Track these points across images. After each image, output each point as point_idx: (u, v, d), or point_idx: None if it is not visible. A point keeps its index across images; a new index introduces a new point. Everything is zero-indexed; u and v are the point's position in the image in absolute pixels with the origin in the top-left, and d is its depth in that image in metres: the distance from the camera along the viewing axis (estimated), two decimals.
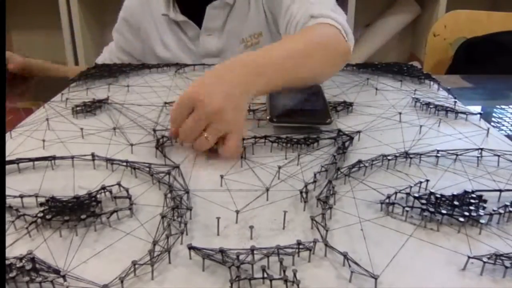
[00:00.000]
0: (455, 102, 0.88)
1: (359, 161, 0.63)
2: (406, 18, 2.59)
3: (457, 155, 0.66)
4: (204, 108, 0.64)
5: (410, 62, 2.16)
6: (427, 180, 0.59)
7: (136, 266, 0.44)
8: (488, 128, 0.77)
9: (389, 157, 0.65)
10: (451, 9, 1.69)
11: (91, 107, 0.85)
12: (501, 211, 0.53)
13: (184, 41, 1.21)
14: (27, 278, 0.42)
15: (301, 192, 0.56)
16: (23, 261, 0.43)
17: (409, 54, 2.81)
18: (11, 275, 0.42)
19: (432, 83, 1.00)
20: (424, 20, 2.58)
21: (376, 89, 0.95)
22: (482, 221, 0.51)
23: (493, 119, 0.90)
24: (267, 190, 0.57)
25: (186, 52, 1.21)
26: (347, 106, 0.85)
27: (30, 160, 0.64)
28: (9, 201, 0.55)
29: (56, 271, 0.43)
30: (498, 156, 0.66)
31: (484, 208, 0.54)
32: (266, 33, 1.16)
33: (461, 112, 0.82)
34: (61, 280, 0.42)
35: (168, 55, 1.22)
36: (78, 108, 0.84)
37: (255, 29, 1.16)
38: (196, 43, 1.19)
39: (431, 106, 0.85)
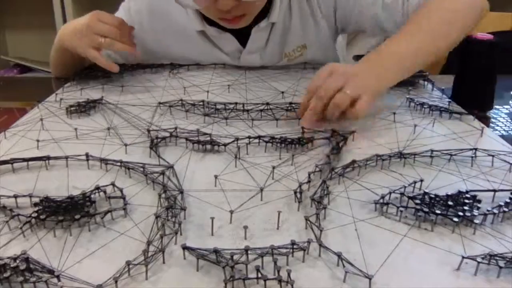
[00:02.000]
0: (449, 102, 0.88)
1: (353, 161, 0.63)
2: None
3: (451, 155, 0.67)
4: (342, 69, 0.76)
5: None
6: (421, 180, 0.59)
7: (130, 266, 0.44)
8: (483, 128, 0.77)
9: (383, 157, 0.65)
10: None
11: (85, 107, 0.85)
12: (495, 211, 0.53)
13: (220, 57, 1.13)
14: (21, 278, 0.42)
15: (295, 192, 0.56)
16: (17, 261, 0.43)
17: None
18: (5, 275, 0.42)
19: (426, 83, 1.00)
20: None
21: None
22: (476, 221, 0.51)
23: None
24: (261, 190, 0.57)
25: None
26: None
27: (24, 160, 0.64)
28: (3, 201, 0.55)
29: (50, 271, 0.43)
30: (492, 156, 0.67)
31: (478, 208, 0.54)
32: (311, 44, 1.12)
33: (455, 112, 0.83)
34: (55, 280, 0.42)
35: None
36: (72, 108, 0.83)
37: (298, 42, 1.12)
38: (235, 59, 1.13)
39: (425, 106, 0.85)
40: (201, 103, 0.84)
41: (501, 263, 0.45)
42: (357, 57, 1.09)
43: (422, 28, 0.86)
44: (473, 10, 0.91)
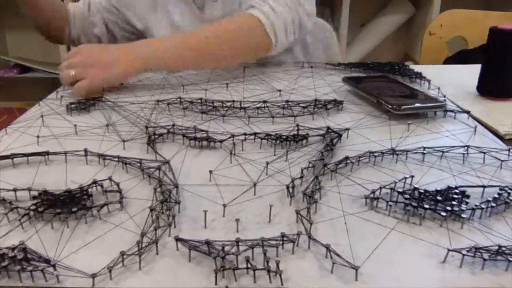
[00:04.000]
0: (445, 100, 0.89)
1: (346, 158, 0.64)
2: (400, 19, 2.61)
3: (443, 152, 0.68)
4: (85, 53, 0.94)
5: (404, 62, 2.17)
6: (412, 176, 0.60)
7: (124, 256, 0.45)
8: (476, 126, 0.78)
9: (376, 154, 0.66)
10: (445, 10, 1.70)
11: (85, 105, 0.86)
12: (483, 206, 0.54)
13: (193, 9, 1.18)
14: (18, 267, 0.43)
15: (287, 187, 0.58)
16: (15, 251, 0.45)
17: (403, 55, 2.83)
18: (3, 264, 0.43)
19: (423, 81, 1.01)
20: (418, 20, 2.60)
21: None
22: (463, 215, 0.53)
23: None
24: (255, 185, 0.58)
25: (194, 21, 1.18)
26: (337, 104, 0.86)
27: (24, 155, 0.66)
28: (2, 194, 0.56)
29: (47, 261, 0.44)
30: (484, 153, 0.68)
31: (466, 203, 0.55)
32: None
33: (450, 111, 0.84)
34: (51, 269, 0.43)
35: (176, 21, 1.19)
36: (72, 106, 0.85)
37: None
38: (202, 10, 1.17)
39: None
40: (199, 100, 0.86)
41: (486, 256, 0.46)
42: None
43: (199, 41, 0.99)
44: (250, 51, 1.05)
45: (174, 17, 1.18)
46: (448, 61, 1.56)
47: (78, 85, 0.92)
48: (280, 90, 0.95)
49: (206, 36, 0.99)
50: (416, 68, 1.11)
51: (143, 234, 0.48)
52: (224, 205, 0.54)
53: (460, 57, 1.52)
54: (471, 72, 1.01)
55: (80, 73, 0.92)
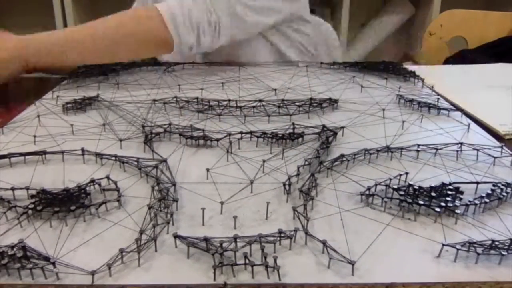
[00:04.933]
0: (438, 98, 0.90)
1: (342, 155, 0.65)
2: (400, 19, 2.62)
3: (437, 149, 0.69)
4: None
5: (403, 62, 2.18)
6: (407, 173, 0.61)
7: (123, 253, 0.46)
8: (469, 124, 0.79)
9: (371, 151, 0.67)
10: (445, 10, 1.72)
11: (81, 104, 0.86)
12: (477, 201, 0.55)
13: None
14: (18, 265, 0.44)
15: (284, 185, 0.58)
16: (15, 249, 0.45)
17: (403, 55, 2.84)
18: (2, 262, 0.44)
19: (416, 80, 1.02)
20: (418, 20, 2.61)
21: (362, 86, 0.98)
22: (458, 211, 0.53)
23: None
24: (252, 182, 0.59)
25: None
26: (332, 103, 0.87)
27: (21, 154, 0.66)
28: (0, 193, 0.56)
29: (46, 258, 0.45)
30: (477, 150, 0.68)
31: (460, 199, 0.56)
32: None
33: (443, 109, 0.85)
34: (51, 267, 0.44)
35: None
36: (68, 105, 0.85)
37: None
38: None
39: (414, 103, 0.87)
40: (195, 100, 0.86)
41: (479, 250, 0.47)
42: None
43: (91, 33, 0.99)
44: (146, 45, 1.02)
45: None
46: (448, 61, 1.57)
47: None
48: (275, 89, 0.96)
49: (95, 27, 0.98)
50: (415, 68, 1.12)
51: (141, 232, 0.48)
52: (222, 203, 0.55)
53: (460, 57, 1.53)
54: (471, 72, 1.02)
55: None
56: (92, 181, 0.58)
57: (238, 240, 0.47)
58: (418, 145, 0.68)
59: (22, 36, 0.98)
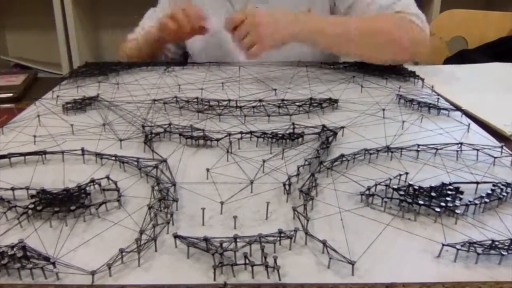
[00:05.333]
0: (438, 99, 0.90)
1: (342, 155, 0.65)
2: None
3: (437, 149, 0.69)
4: (249, 21, 0.95)
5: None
6: (407, 173, 0.61)
7: (123, 253, 0.46)
8: (469, 124, 0.79)
9: (371, 151, 0.67)
10: (445, 10, 1.71)
11: (81, 104, 0.86)
12: (477, 202, 0.55)
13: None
14: (18, 265, 0.44)
15: (284, 185, 0.58)
16: (15, 249, 0.45)
17: None
18: (2, 262, 0.44)
19: (416, 80, 1.02)
20: None
21: (362, 86, 0.98)
22: (457, 211, 0.53)
23: None
24: (252, 182, 0.59)
25: None
26: (333, 103, 0.87)
27: (21, 154, 0.66)
28: (0, 193, 0.56)
29: (46, 258, 0.45)
30: (477, 150, 0.68)
31: (460, 199, 0.56)
32: (317, 10, 1.15)
33: (443, 108, 0.85)
34: (51, 267, 0.44)
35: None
36: (68, 105, 0.85)
37: (302, 4, 1.15)
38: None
39: (414, 103, 0.87)
40: (195, 100, 0.86)
41: (479, 250, 0.47)
42: None
43: (352, 28, 1.01)
44: (405, 44, 1.04)
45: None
46: (448, 61, 1.56)
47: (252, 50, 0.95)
48: (275, 89, 0.96)
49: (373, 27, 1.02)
50: (415, 68, 1.12)
51: (141, 232, 0.48)
52: (222, 203, 0.54)
53: (460, 57, 1.53)
54: (471, 72, 1.02)
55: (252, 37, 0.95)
56: (92, 181, 0.58)
57: (238, 240, 0.47)
58: (418, 145, 0.68)
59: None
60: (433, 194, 0.56)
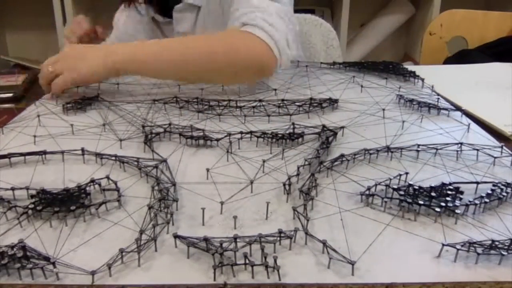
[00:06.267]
0: (438, 98, 0.90)
1: (342, 155, 0.65)
2: (400, 19, 2.62)
3: (437, 149, 0.69)
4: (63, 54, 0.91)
5: (404, 62, 2.18)
6: (407, 173, 0.61)
7: (123, 253, 0.46)
8: (469, 124, 0.79)
9: (371, 151, 0.67)
10: (445, 10, 1.71)
11: (81, 104, 0.87)
12: (477, 202, 0.55)
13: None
14: (18, 265, 0.44)
15: (284, 185, 0.58)
16: (15, 249, 0.45)
17: (403, 55, 2.84)
18: (2, 262, 0.44)
19: (416, 80, 1.02)
20: (418, 20, 2.61)
21: (362, 86, 0.98)
22: (457, 211, 0.53)
23: None
24: (252, 182, 0.59)
25: None
26: (332, 102, 0.87)
27: (21, 154, 0.66)
28: (0, 193, 0.56)
29: (46, 258, 0.45)
30: (477, 150, 0.68)
31: (460, 199, 0.56)
32: None
33: (443, 108, 0.85)
34: (51, 267, 0.44)
35: None
36: (68, 105, 0.85)
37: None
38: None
39: (414, 103, 0.87)
40: (195, 100, 0.86)
41: (479, 250, 0.47)
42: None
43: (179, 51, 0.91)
44: (232, 71, 0.92)
45: None
46: (448, 61, 1.56)
47: (53, 82, 0.90)
48: (275, 89, 0.96)
49: (194, 47, 0.91)
50: (415, 68, 1.12)
51: (141, 232, 0.48)
52: (222, 203, 0.55)
53: (460, 57, 1.53)
54: (471, 72, 1.02)
55: (56, 69, 0.90)
56: (92, 181, 0.58)
57: (238, 240, 0.47)
58: (418, 145, 0.68)
59: (104, 48, 0.96)
60: (433, 194, 0.56)
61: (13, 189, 0.57)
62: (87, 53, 0.92)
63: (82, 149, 0.67)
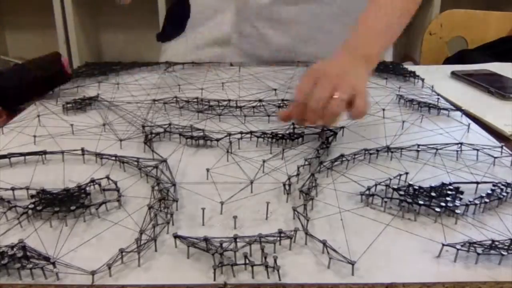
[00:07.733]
0: (438, 98, 0.90)
1: (342, 155, 0.65)
2: None
3: (437, 149, 0.69)
4: (328, 71, 0.68)
5: (404, 62, 2.18)
6: (407, 173, 0.61)
7: (123, 253, 0.46)
8: (469, 124, 0.79)
9: (371, 151, 0.67)
10: (445, 10, 1.71)
11: (81, 104, 0.86)
12: (477, 202, 0.55)
13: None
14: (18, 265, 0.44)
15: (284, 185, 0.58)
16: (15, 249, 0.45)
17: (403, 55, 2.83)
18: (2, 262, 0.44)
19: (416, 80, 1.02)
20: (418, 20, 2.60)
21: None
22: (457, 211, 0.53)
23: None
24: (251, 182, 0.59)
25: None
26: None
27: (21, 154, 0.66)
28: (0, 193, 0.56)
29: (46, 258, 0.45)
30: (477, 150, 0.68)
31: (460, 199, 0.56)
32: None
33: (443, 108, 0.85)
34: (51, 267, 0.44)
35: None
36: (68, 105, 0.85)
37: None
38: None
39: (414, 103, 0.87)
40: (195, 100, 0.86)
41: (479, 250, 0.47)
42: None
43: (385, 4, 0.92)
44: None
45: None
46: (448, 61, 1.56)
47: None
48: (275, 89, 0.96)
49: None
50: (415, 68, 1.12)
51: (141, 232, 0.48)
52: (222, 203, 0.55)
53: (460, 57, 1.53)
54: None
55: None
56: (92, 181, 0.58)
57: (238, 240, 0.47)
58: (418, 145, 0.68)
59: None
60: (433, 194, 0.56)
61: (13, 189, 0.57)
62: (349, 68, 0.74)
63: (82, 149, 0.67)
